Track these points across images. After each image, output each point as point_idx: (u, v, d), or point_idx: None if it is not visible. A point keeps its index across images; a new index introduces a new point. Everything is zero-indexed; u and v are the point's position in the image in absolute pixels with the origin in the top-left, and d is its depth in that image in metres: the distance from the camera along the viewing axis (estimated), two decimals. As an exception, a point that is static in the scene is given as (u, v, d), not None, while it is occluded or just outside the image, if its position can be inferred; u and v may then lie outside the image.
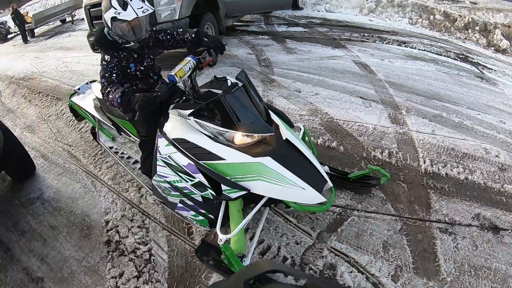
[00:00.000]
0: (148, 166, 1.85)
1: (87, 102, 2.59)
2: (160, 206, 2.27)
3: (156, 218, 2.19)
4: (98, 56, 1.92)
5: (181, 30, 1.97)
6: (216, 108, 1.45)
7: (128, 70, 1.82)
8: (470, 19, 7.77)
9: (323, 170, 1.57)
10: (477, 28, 7.74)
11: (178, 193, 1.62)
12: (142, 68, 1.88)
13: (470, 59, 5.22)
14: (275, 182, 1.39)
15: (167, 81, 1.53)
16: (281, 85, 3.88)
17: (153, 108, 1.41)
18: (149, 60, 1.92)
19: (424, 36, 5.96)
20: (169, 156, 1.58)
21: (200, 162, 1.48)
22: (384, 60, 4.54)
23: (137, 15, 1.60)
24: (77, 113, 2.82)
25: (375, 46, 5.09)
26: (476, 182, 2.38)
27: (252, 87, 1.63)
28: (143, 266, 1.87)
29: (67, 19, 11.91)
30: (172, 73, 1.50)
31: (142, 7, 1.61)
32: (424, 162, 2.55)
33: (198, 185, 1.51)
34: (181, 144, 1.55)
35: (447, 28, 6.99)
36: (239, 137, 1.48)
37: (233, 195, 1.42)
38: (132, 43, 1.73)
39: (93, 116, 2.52)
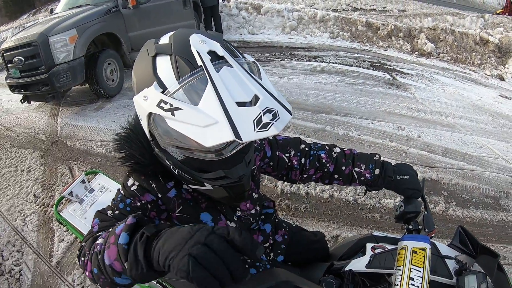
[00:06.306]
0: None
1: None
2: None
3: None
4: None
5: (318, 144, 1.01)
6: None
7: None
8: (393, 26, 8.02)
9: None
10: (401, 34, 7.99)
11: None
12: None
13: (386, 67, 5.25)
14: None
15: None
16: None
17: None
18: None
19: (342, 49, 6.02)
20: None
21: None
22: (283, 77, 4.42)
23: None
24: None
25: (281, 64, 5.01)
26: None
27: None
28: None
29: None
30: None
31: None
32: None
33: None
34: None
35: (369, 38, 7.13)
36: None
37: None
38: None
39: None
